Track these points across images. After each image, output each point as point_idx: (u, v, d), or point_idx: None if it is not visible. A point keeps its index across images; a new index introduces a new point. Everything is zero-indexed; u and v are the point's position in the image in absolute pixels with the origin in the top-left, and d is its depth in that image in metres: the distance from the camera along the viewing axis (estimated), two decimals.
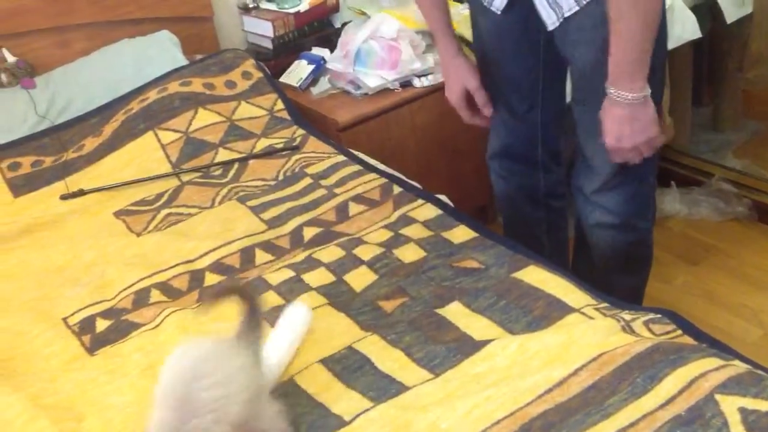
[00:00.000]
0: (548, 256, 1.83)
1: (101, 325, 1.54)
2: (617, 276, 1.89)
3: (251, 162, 2.05)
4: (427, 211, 1.75)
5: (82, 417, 1.34)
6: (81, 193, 1.97)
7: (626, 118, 1.55)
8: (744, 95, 2.89)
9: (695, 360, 1.22)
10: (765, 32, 2.60)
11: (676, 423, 1.12)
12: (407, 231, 1.69)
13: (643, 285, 1.97)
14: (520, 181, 1.98)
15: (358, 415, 1.26)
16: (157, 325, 1.51)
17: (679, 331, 1.34)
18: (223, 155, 2.07)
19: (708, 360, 1.22)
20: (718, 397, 1.14)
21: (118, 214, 1.89)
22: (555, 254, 2.05)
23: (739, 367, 1.21)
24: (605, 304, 1.42)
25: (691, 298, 2.29)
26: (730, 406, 1.13)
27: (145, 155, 2.06)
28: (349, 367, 1.36)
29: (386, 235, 1.69)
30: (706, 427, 1.11)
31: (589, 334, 1.32)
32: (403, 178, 1.93)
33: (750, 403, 1.13)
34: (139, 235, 1.81)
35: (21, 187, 2.00)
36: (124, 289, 1.62)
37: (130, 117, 2.15)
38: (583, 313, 1.38)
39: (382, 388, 1.31)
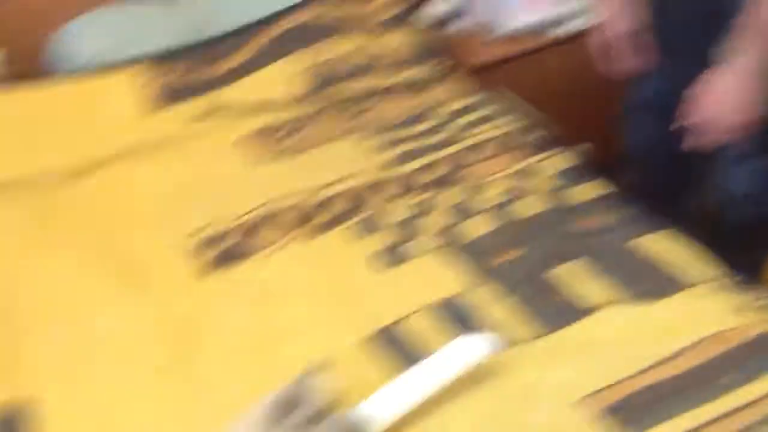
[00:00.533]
0: (676, 222, 1.76)
1: (219, 247, 1.58)
2: (742, 251, 1.80)
3: (384, 95, 2.03)
4: (557, 161, 1.70)
5: (200, 334, 1.39)
6: (213, 113, 1.99)
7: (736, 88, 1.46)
8: None
9: None
10: None
11: None
12: (532, 181, 1.65)
13: (763, 262, 1.87)
14: (660, 137, 1.89)
15: None
16: (273, 253, 1.55)
17: None
18: (357, 86, 2.05)
19: None
20: None
21: (246, 138, 1.92)
22: (683, 220, 1.96)
23: None
24: (728, 280, 1.35)
25: None
26: None
27: (280, 82, 2.07)
28: (456, 315, 1.35)
29: (512, 182, 1.65)
30: None
31: (706, 311, 1.27)
32: (536, 126, 1.87)
33: None
34: (261, 163, 1.84)
35: (159, 101, 2.04)
36: (245, 214, 1.65)
37: (269, 41, 2.15)
38: (703, 287, 1.33)
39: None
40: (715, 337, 1.21)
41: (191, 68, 2.13)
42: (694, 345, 1.21)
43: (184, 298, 1.48)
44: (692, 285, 1.33)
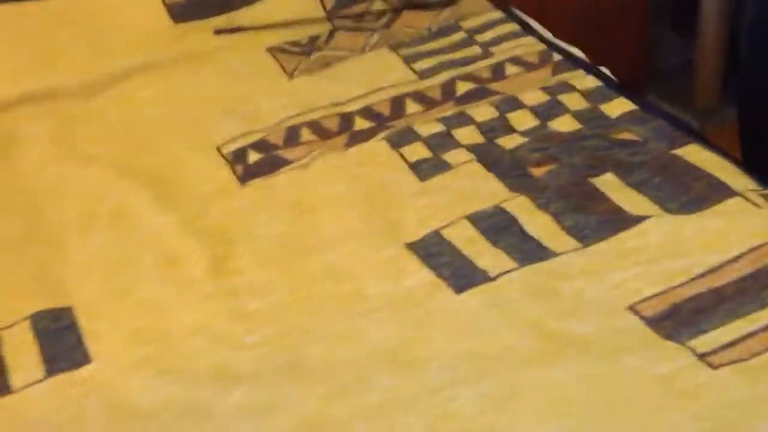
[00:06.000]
0: None
1: (253, 156, 1.57)
2: None
3: (404, 12, 2.00)
4: (586, 81, 1.68)
5: (232, 242, 1.39)
6: (237, 29, 1.97)
7: None
8: None
9: None
10: None
11: None
12: (564, 99, 1.63)
13: None
14: None
15: (502, 274, 1.26)
16: (307, 164, 1.54)
17: None
18: (377, 5, 2.02)
19: None
20: None
21: (271, 52, 1.89)
22: None
23: None
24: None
25: None
26: None
27: (301, 1, 2.03)
28: (495, 225, 1.34)
29: (542, 98, 1.63)
30: None
31: (751, 221, 1.26)
32: (564, 45, 1.85)
33: None
34: (290, 74, 1.82)
35: (180, 14, 2.00)
36: (276, 124, 1.64)
37: None
38: (746, 198, 1.32)
39: (529, 250, 1.29)
40: (761, 249, 1.21)
41: None
42: (740, 256, 1.20)
43: (219, 208, 1.46)
44: (735, 195, 1.32)
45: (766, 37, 1.77)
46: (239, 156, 1.58)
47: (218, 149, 1.60)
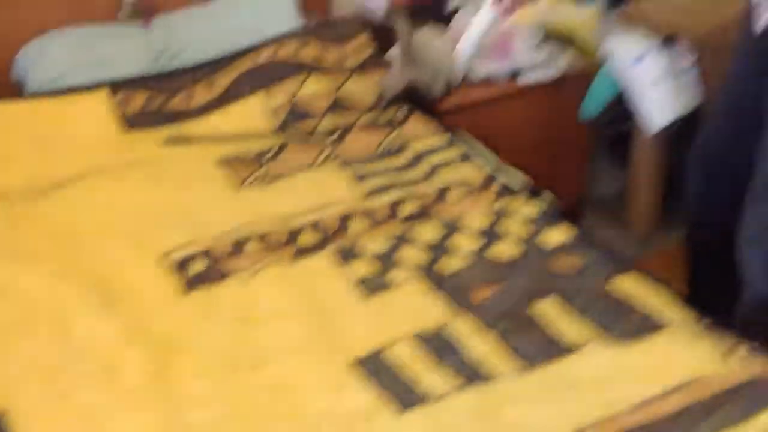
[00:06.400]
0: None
1: (198, 266, 1.57)
2: None
3: (354, 132, 2.05)
4: (528, 207, 1.74)
5: (174, 351, 1.38)
6: (186, 140, 2.00)
7: None
8: None
9: None
10: None
11: None
12: (506, 223, 1.68)
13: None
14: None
15: (444, 395, 1.26)
16: (252, 276, 1.54)
17: None
18: (326, 124, 2.07)
19: None
20: None
21: (220, 164, 1.91)
22: None
23: None
24: (705, 324, 1.39)
25: None
26: None
27: (251, 116, 2.08)
28: (439, 345, 1.36)
29: (486, 222, 1.68)
30: None
31: (687, 355, 1.30)
32: (508, 171, 1.90)
33: None
34: (239, 187, 1.84)
35: (130, 123, 2.03)
36: (222, 235, 1.65)
37: (241, 75, 2.16)
38: (681, 331, 1.36)
39: (472, 372, 1.31)
40: (694, 382, 1.24)
41: (163, 96, 2.12)
42: (673, 390, 1.23)
43: (162, 316, 1.45)
44: (667, 327, 1.37)
45: (715, 163, 1.85)
46: (184, 265, 1.57)
47: (163, 257, 1.59)
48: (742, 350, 1.31)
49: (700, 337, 1.34)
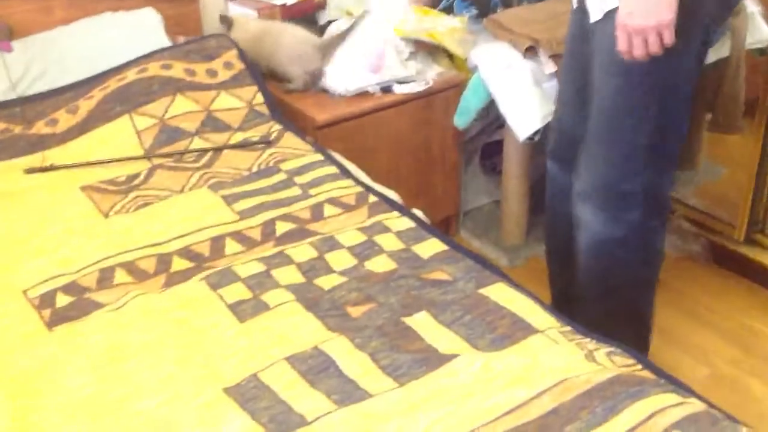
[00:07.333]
0: None
1: (62, 300, 1.52)
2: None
3: (225, 152, 2.04)
4: (400, 222, 1.75)
5: (38, 394, 1.32)
6: (49, 168, 1.93)
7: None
8: (710, 138, 2.95)
9: (655, 394, 1.24)
10: (738, 76, 2.65)
11: None
12: (379, 239, 1.69)
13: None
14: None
15: (320, 417, 1.26)
16: (120, 307, 1.49)
17: (640, 366, 1.37)
18: (197, 144, 2.05)
19: (667, 396, 1.24)
20: None
21: (86, 191, 1.86)
22: None
23: (696, 405, 1.24)
24: (569, 329, 1.44)
25: None
26: None
27: (119, 140, 2.03)
28: (314, 367, 1.35)
29: (359, 239, 1.69)
30: None
31: (553, 359, 1.34)
32: (379, 188, 1.92)
33: None
34: (106, 214, 1.79)
35: None
36: (88, 266, 1.60)
37: (107, 97, 2.11)
38: (547, 336, 1.40)
39: (346, 392, 1.30)
40: (562, 385, 1.27)
41: (23, 123, 2.04)
42: (541, 393, 1.26)
43: (24, 356, 1.39)
44: (536, 332, 1.40)
45: (565, 147, 1.95)
46: (47, 300, 1.51)
47: (24, 293, 1.53)
48: (602, 352, 1.36)
49: (564, 342, 1.38)
